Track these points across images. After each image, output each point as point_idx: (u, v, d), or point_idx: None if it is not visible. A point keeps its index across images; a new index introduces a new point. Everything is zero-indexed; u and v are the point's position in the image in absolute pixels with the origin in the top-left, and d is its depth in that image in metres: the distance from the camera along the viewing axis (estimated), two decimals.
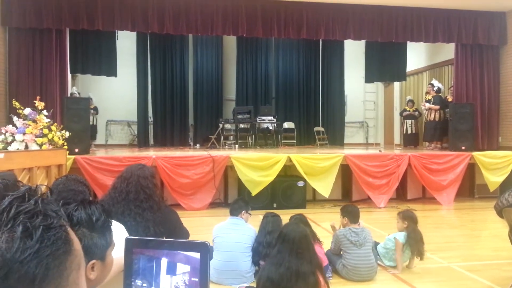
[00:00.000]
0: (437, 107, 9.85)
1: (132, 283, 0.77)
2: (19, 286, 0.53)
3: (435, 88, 10.13)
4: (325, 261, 4.01)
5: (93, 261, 1.31)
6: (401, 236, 4.37)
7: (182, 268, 0.77)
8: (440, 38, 9.45)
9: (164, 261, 0.77)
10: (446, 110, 9.79)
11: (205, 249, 0.78)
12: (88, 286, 1.32)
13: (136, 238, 0.81)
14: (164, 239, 0.76)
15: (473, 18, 9.43)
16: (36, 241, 0.56)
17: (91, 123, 9.29)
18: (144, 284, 0.78)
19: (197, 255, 0.77)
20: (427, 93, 10.53)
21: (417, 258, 4.38)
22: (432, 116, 9.93)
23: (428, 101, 10.10)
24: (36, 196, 0.60)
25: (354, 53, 12.67)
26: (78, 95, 9.76)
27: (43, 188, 0.65)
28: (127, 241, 0.79)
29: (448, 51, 10.50)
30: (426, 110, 10.11)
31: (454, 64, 9.90)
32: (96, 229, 1.24)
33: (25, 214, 0.57)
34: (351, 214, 4.32)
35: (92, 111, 9.85)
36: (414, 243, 4.32)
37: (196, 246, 0.78)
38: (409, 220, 4.45)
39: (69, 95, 8.74)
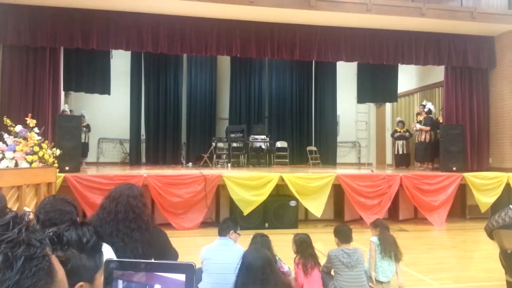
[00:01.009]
0: (428, 128, 9.95)
1: None
2: None
3: (426, 109, 10.25)
4: (320, 286, 3.96)
5: (81, 283, 1.28)
6: (375, 239, 4.53)
7: None
8: (431, 61, 9.62)
9: None
10: (438, 131, 9.90)
11: (190, 271, 0.76)
12: None
13: (116, 260, 0.79)
14: (147, 260, 0.75)
15: (463, 42, 9.63)
16: (16, 272, 0.54)
17: (83, 140, 9.25)
18: None
19: (182, 277, 0.75)
20: (418, 114, 10.64)
21: (394, 261, 4.43)
22: (423, 137, 10.03)
23: (419, 122, 10.21)
24: (21, 224, 0.58)
25: (346, 74, 12.84)
26: (69, 113, 9.73)
27: (31, 215, 0.63)
28: (107, 263, 0.77)
29: (438, 73, 10.68)
30: (417, 131, 10.20)
31: (444, 86, 10.06)
32: (85, 250, 1.23)
33: (7, 243, 0.55)
34: (340, 234, 4.29)
35: (84, 128, 9.82)
36: (387, 246, 4.44)
37: (181, 267, 0.76)
38: (380, 226, 4.65)
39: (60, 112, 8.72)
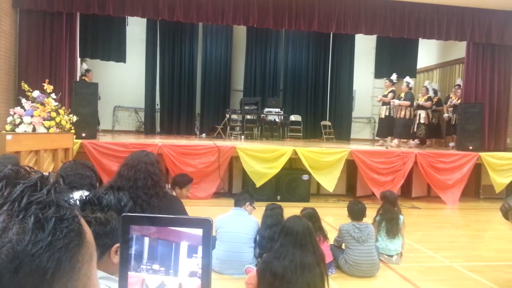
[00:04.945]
0: (407, 103, 9.53)
1: (149, 267, 0.76)
2: (30, 280, 0.51)
3: (410, 85, 9.88)
4: (329, 257, 4.02)
5: (118, 244, 1.32)
6: (378, 217, 4.60)
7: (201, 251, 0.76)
8: (453, 36, 9.33)
9: (184, 245, 0.76)
10: (451, 110, 9.65)
11: (207, 225, 0.76)
12: (112, 270, 1.33)
13: (134, 214, 0.79)
14: (164, 215, 0.75)
15: (487, 17, 9.29)
16: (48, 234, 0.53)
17: None
18: (162, 269, 0.76)
19: (199, 231, 0.76)
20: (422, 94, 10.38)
21: (394, 237, 4.44)
22: (403, 113, 9.57)
23: (399, 98, 9.78)
24: (48, 184, 0.57)
25: (364, 48, 12.56)
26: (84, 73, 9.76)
27: (55, 176, 0.62)
28: (124, 218, 0.78)
29: (459, 49, 10.37)
30: (396, 106, 9.76)
31: (465, 62, 9.78)
32: (123, 213, 1.27)
33: (37, 204, 0.54)
34: (353, 213, 4.30)
35: None
36: (385, 221, 4.49)
37: (198, 222, 0.76)
38: (385, 200, 4.67)
39: (78, 78, 8.77)
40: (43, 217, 0.54)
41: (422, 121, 9.89)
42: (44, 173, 0.60)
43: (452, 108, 9.90)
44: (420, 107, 9.93)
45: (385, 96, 9.84)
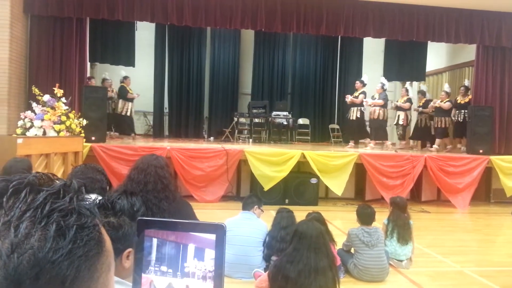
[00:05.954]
0: (381, 102, 9.36)
1: (157, 268, 0.77)
2: (49, 287, 0.52)
3: (385, 86, 9.75)
4: (337, 261, 4.00)
5: (129, 249, 1.33)
6: (386, 221, 4.59)
7: (210, 254, 0.76)
8: (462, 38, 9.26)
9: (191, 247, 0.76)
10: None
11: (221, 231, 0.76)
12: (123, 275, 1.33)
13: (149, 218, 0.80)
14: (179, 220, 0.76)
15: (497, 20, 9.22)
16: (69, 241, 0.54)
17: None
18: (170, 270, 0.77)
19: (212, 237, 0.76)
20: (402, 96, 10.25)
21: (403, 243, 4.41)
22: (376, 114, 9.37)
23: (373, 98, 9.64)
24: (71, 192, 0.58)
25: (373, 51, 12.51)
26: (109, 81, 9.87)
27: (78, 184, 0.62)
28: (139, 221, 0.79)
29: (469, 52, 10.29)
30: (370, 106, 9.57)
31: (475, 65, 9.70)
32: (136, 218, 1.28)
33: (59, 212, 0.55)
34: (362, 217, 4.27)
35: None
36: (395, 227, 4.46)
37: (212, 228, 0.76)
38: (394, 205, 4.64)
39: (90, 81, 8.91)
40: (65, 224, 0.54)
41: (400, 122, 9.82)
42: (67, 181, 0.60)
43: (434, 110, 9.83)
44: (398, 108, 9.88)
45: (356, 97, 9.74)
